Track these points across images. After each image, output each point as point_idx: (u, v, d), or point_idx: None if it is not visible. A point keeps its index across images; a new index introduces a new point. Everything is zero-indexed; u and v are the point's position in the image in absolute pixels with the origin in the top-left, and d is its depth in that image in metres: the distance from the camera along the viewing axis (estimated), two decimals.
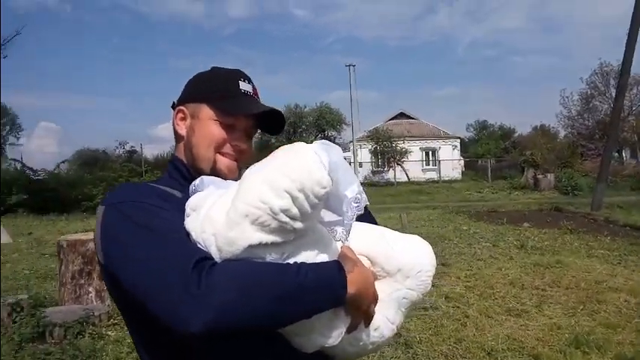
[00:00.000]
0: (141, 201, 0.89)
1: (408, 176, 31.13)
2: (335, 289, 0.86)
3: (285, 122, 1.12)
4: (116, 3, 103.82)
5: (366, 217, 1.16)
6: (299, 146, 0.87)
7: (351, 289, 0.87)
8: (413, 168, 32.85)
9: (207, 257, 0.81)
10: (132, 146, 28.73)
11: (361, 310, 0.93)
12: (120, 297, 0.92)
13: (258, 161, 1.00)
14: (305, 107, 45.46)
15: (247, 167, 0.97)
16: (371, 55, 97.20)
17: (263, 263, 0.82)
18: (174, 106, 1.11)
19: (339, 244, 0.96)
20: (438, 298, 5.13)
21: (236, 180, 0.94)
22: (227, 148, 1.05)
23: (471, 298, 5.17)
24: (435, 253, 1.12)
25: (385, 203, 19.38)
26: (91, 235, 5.69)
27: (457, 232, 10.00)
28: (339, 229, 0.86)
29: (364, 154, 34.90)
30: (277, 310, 0.79)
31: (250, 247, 0.81)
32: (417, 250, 1.11)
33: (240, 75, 1.09)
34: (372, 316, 0.96)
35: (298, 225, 0.83)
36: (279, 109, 1.07)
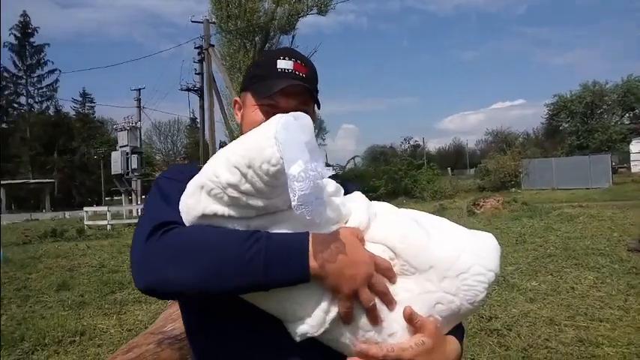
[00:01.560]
0: (171, 177, 1.01)
1: None
2: (288, 261, 0.80)
3: (314, 92, 1.04)
4: (405, 6, 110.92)
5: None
6: (266, 122, 0.86)
7: (315, 262, 0.80)
8: None
9: (169, 222, 0.85)
10: (415, 140, 30.71)
11: (342, 295, 0.82)
12: None
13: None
14: (607, 84, 38.73)
15: None
16: None
17: (212, 230, 0.83)
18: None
19: (343, 225, 0.89)
20: None
21: None
22: None
23: None
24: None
25: None
26: None
27: None
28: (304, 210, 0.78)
29: None
30: (210, 276, 0.79)
31: (205, 216, 0.84)
32: (469, 246, 0.90)
33: (280, 53, 1.06)
34: (371, 308, 0.83)
35: (254, 201, 0.82)
36: (298, 83, 1.01)
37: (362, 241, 0.88)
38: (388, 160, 32.82)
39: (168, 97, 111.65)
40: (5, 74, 45.78)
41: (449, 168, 44.20)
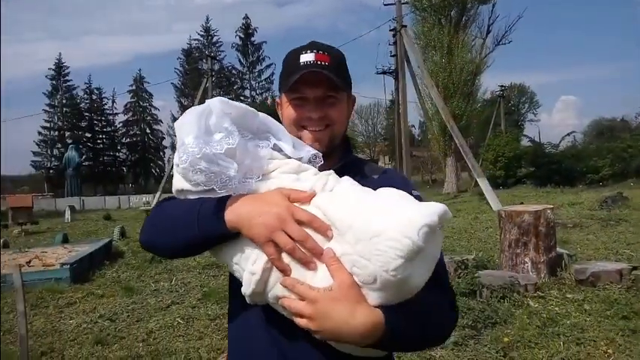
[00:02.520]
0: None
1: None
2: (211, 215, 0.92)
3: (335, 77, 1.07)
4: None
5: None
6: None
7: (229, 215, 0.90)
8: None
9: (172, 196, 1.06)
10: None
11: (259, 242, 0.89)
12: None
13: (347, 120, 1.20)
14: None
15: (343, 131, 1.16)
16: None
17: (177, 201, 1.02)
18: None
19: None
20: None
21: (320, 150, 1.07)
22: (303, 122, 1.11)
23: None
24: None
25: None
26: (527, 207, 5.67)
27: None
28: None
29: None
30: (168, 235, 0.99)
31: (177, 191, 1.01)
32: (393, 211, 0.84)
33: (303, 48, 1.11)
34: (289, 250, 0.86)
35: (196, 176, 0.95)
36: (314, 70, 1.05)
37: (295, 200, 0.92)
38: (615, 137, 28.02)
39: (367, 81, 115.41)
40: (233, 71, 54.19)
41: None
